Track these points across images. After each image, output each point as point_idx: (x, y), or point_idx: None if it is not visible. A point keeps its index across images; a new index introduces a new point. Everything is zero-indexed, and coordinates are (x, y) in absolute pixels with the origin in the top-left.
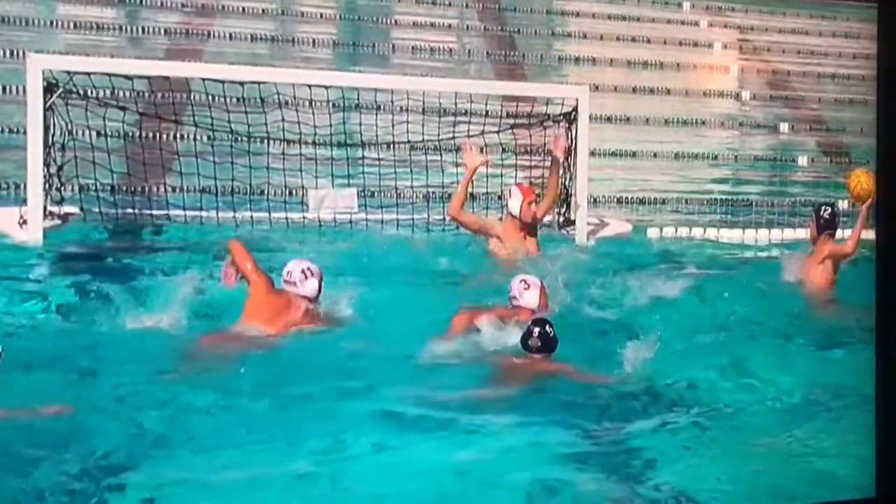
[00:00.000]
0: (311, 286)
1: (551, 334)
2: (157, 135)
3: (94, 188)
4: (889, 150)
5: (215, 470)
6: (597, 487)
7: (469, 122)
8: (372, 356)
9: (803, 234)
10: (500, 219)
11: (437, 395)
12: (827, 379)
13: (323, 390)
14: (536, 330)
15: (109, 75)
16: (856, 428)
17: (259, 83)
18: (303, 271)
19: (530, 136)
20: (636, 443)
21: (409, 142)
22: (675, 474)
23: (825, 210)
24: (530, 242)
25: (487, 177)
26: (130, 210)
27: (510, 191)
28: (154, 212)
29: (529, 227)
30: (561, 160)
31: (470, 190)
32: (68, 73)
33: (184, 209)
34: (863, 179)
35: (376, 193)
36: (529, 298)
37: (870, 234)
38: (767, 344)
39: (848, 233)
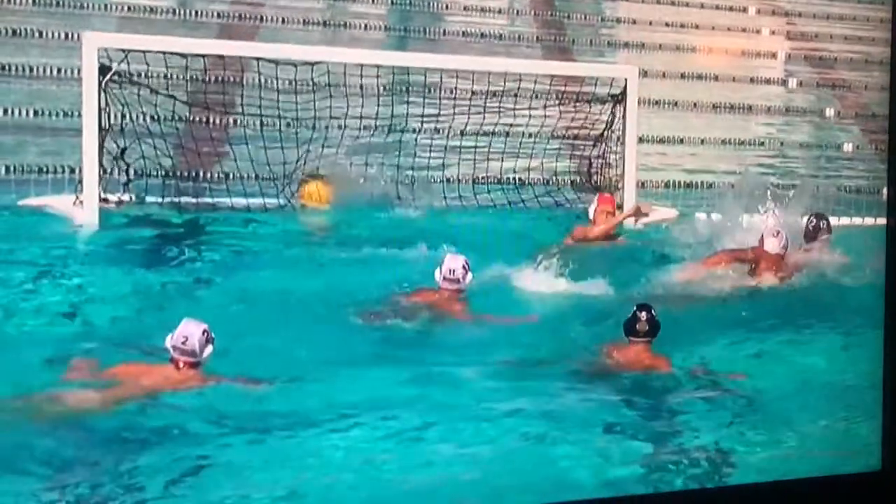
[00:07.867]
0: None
1: (656, 318)
2: (210, 118)
3: (147, 172)
4: None
5: None
6: None
7: (515, 107)
8: None
9: (846, 221)
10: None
11: None
12: (835, 359)
13: None
14: (644, 315)
15: (164, 53)
16: (863, 404)
17: (312, 64)
18: (463, 266)
19: (574, 115)
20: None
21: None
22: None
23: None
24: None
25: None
26: (185, 196)
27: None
28: (206, 199)
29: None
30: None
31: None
32: (123, 51)
33: (229, 195)
34: None
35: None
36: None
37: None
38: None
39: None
